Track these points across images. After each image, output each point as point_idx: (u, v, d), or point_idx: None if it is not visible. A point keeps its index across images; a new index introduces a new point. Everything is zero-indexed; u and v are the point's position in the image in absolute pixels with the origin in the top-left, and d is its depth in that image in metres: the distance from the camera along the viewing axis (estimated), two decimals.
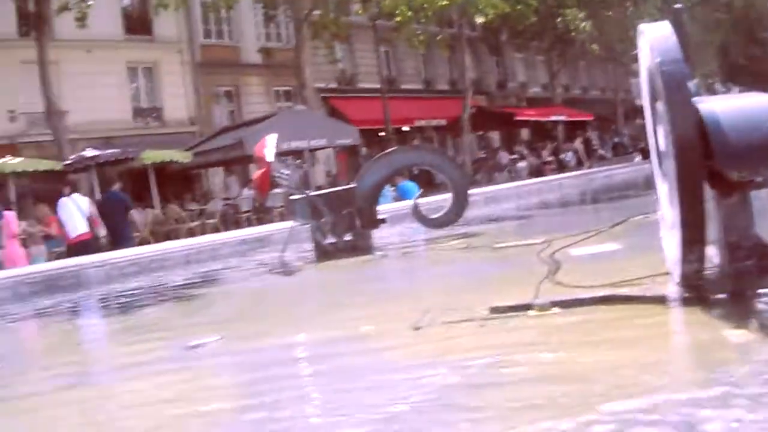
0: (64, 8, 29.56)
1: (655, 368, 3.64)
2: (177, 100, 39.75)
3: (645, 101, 5.67)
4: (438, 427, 3.24)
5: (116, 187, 19.59)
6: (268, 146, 12.24)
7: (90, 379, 5.86)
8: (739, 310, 4.59)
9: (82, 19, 29.78)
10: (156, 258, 13.90)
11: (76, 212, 17.15)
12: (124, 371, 5.63)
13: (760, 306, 4.63)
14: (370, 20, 41.71)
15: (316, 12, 36.95)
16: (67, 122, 31.13)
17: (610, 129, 60.46)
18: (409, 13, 36.44)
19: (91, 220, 17.45)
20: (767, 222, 5.24)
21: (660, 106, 4.90)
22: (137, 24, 39.94)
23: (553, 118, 53.15)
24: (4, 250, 15.23)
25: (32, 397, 5.35)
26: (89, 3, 29.94)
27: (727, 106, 4.96)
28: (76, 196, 17.36)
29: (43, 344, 8.70)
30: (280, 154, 13.10)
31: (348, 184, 14.77)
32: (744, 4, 64.10)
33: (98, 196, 26.82)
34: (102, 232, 18.06)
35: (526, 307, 5.21)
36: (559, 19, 48.38)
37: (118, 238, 18.20)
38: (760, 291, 4.89)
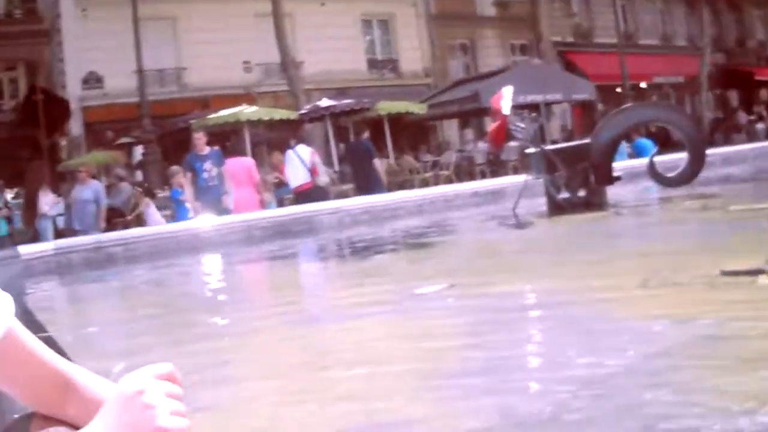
0: None
1: None
2: (412, 53, 40.00)
3: None
4: (665, 374, 3.22)
5: (365, 136, 19.99)
6: (504, 99, 12.18)
7: (316, 318, 6.05)
8: None
9: None
10: (389, 207, 14.07)
11: (298, 163, 17.55)
12: (353, 311, 5.77)
13: None
14: None
15: None
16: (302, 73, 31.82)
17: None
18: None
19: (312, 170, 17.85)
20: None
21: None
22: None
23: None
24: (229, 196, 15.69)
25: (261, 334, 5.58)
26: None
27: None
28: (299, 147, 17.75)
29: (273, 285, 9.00)
30: (516, 108, 13.01)
31: (583, 139, 14.57)
32: None
33: (332, 145, 27.42)
34: (324, 180, 18.52)
35: (759, 271, 5.06)
36: None
37: (364, 184, 18.66)
38: None
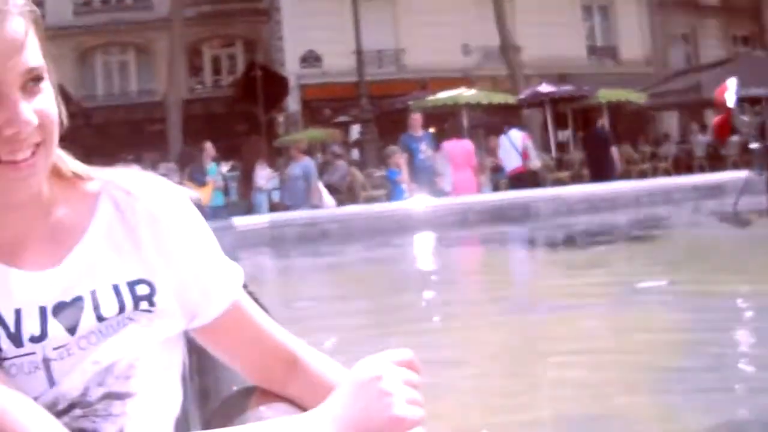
0: None
1: None
2: (632, 40, 39.23)
3: None
4: None
5: (599, 124, 20.02)
6: (729, 91, 11.84)
7: (531, 305, 6.02)
8: None
9: None
10: (607, 197, 13.90)
11: (509, 147, 17.51)
12: (568, 301, 5.73)
13: None
14: None
15: None
16: (521, 57, 31.63)
17: None
18: None
19: (523, 154, 17.79)
20: None
21: None
22: None
23: None
24: (445, 177, 15.75)
25: (475, 318, 5.59)
26: None
27: None
28: (512, 132, 17.69)
29: (486, 269, 9.00)
30: (740, 100, 12.64)
31: None
32: None
33: (551, 131, 27.22)
34: (535, 164, 18.50)
35: None
36: None
37: (600, 172, 18.60)
38: None
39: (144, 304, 1.39)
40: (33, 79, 1.30)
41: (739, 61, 32.15)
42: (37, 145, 1.30)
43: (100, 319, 1.36)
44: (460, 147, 16.16)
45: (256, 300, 1.56)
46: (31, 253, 1.38)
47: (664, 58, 38.95)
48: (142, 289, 1.40)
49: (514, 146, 17.45)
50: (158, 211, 1.43)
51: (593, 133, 20.39)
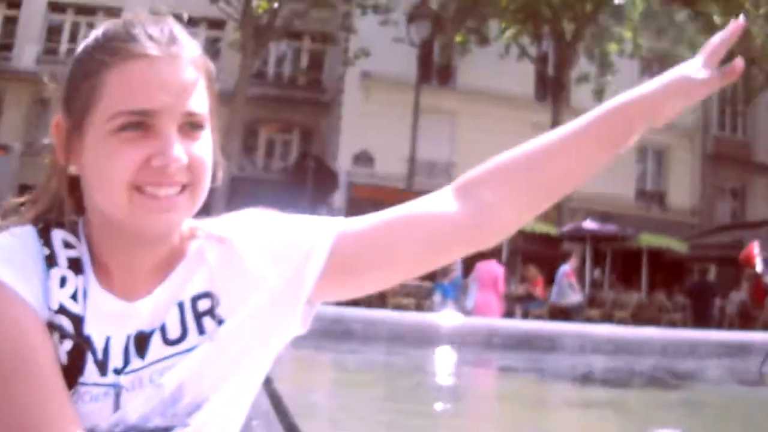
0: (584, 79, 30.24)
1: None
2: (682, 188, 39.29)
3: None
4: None
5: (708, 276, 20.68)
6: (756, 254, 11.90)
7: None
8: None
9: (599, 93, 30.32)
10: (634, 341, 13.84)
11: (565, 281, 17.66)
12: None
13: None
14: None
15: None
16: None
17: None
18: None
19: (560, 289, 17.92)
20: None
21: None
22: None
23: None
24: (470, 296, 15.84)
25: None
26: (608, 78, 30.43)
27: None
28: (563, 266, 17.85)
29: (500, 395, 8.97)
30: None
31: None
32: None
33: (588, 268, 27.20)
34: (571, 300, 18.63)
35: None
36: None
37: (702, 320, 19.21)
38: None
39: (207, 320, 1.46)
40: (192, 124, 1.40)
41: None
42: (184, 186, 1.39)
43: (167, 342, 1.43)
44: (488, 269, 16.27)
45: (269, 382, 1.61)
46: (132, 284, 1.45)
47: (711, 210, 38.95)
48: (203, 304, 1.47)
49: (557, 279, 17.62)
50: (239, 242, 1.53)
51: (699, 284, 21.42)
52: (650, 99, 1.50)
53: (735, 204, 41.59)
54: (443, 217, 1.54)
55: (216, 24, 34.55)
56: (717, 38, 1.53)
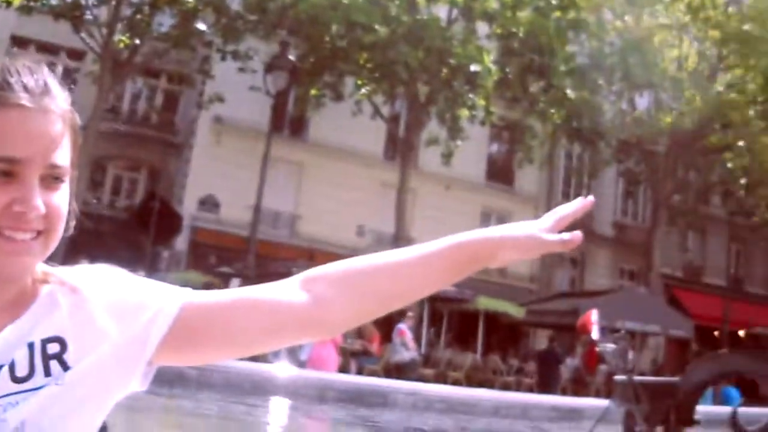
0: (433, 142, 30.64)
1: None
2: None
3: None
4: None
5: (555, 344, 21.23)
6: (593, 322, 12.18)
7: None
8: None
9: (448, 156, 30.73)
10: (466, 401, 13.96)
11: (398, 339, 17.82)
12: None
13: None
14: (727, 214, 40.94)
15: (676, 197, 36.66)
16: None
17: None
18: None
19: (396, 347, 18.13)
20: None
21: None
22: (499, 172, 40.84)
23: None
24: (305, 348, 15.81)
25: None
26: (457, 143, 30.86)
27: None
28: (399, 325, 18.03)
29: None
30: (612, 332, 12.96)
31: (672, 376, 14.38)
32: None
33: (424, 327, 27.44)
34: (403, 357, 18.95)
35: None
36: None
37: (547, 385, 19.71)
38: None
39: (54, 363, 1.48)
40: (54, 177, 1.47)
41: (621, 293, 33.06)
42: (39, 232, 1.45)
43: (15, 379, 1.44)
44: None
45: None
46: None
47: (550, 277, 39.74)
48: (53, 348, 1.49)
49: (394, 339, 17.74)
50: (89, 290, 1.56)
51: (546, 352, 22.05)
52: (494, 244, 1.67)
53: (574, 272, 42.55)
54: (284, 306, 1.60)
55: (76, 54, 34.16)
56: (566, 208, 1.70)
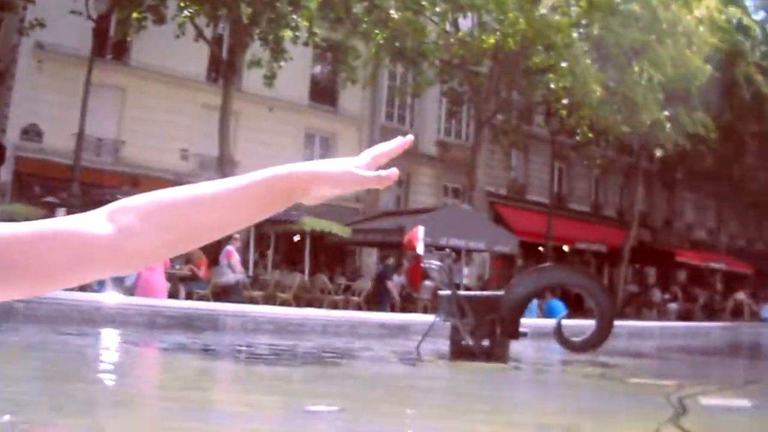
0: (256, 64, 30.36)
1: None
2: None
3: None
4: None
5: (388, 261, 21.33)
6: (418, 238, 12.39)
7: (207, 416, 6.01)
8: None
9: (271, 78, 30.49)
10: (294, 321, 14.08)
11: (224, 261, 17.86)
12: (238, 418, 5.77)
13: None
14: (550, 134, 41.81)
15: (499, 116, 37.23)
16: (237, 172, 31.84)
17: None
18: (591, 134, 36.46)
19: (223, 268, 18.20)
20: None
21: None
22: (323, 93, 40.76)
23: (713, 265, 52.23)
24: (132, 275, 15.66)
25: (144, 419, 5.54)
26: (280, 64, 30.63)
27: None
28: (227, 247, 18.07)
29: (164, 374, 8.93)
30: (438, 249, 13.21)
31: (498, 291, 14.76)
32: None
33: (251, 250, 27.45)
34: (229, 279, 19.15)
35: None
36: (736, 166, 47.89)
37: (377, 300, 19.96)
38: None
39: None
40: None
41: (445, 211, 33.55)
42: None
43: None
44: None
45: None
46: None
47: (375, 197, 39.97)
48: None
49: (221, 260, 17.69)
50: None
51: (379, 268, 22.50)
52: (308, 179, 1.58)
53: (399, 192, 42.93)
54: (88, 237, 1.50)
55: None
56: (385, 146, 1.67)
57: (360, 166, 1.61)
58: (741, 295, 48.38)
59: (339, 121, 40.73)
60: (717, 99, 42.48)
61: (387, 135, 41.28)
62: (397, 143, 1.68)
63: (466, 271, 35.72)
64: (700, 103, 39.92)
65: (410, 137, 1.67)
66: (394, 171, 1.59)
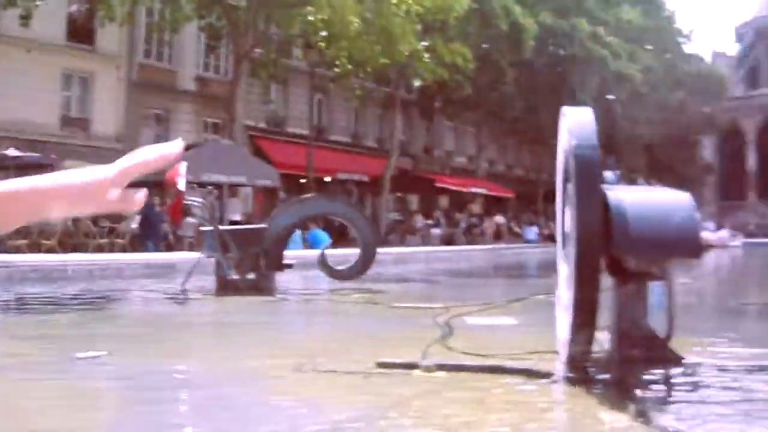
0: (11, 4, 29.23)
1: None
2: (107, 115, 39.24)
3: (558, 182, 5.77)
4: None
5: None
6: (180, 175, 12.22)
7: None
8: (619, 395, 4.65)
9: (26, 18, 29.43)
10: (59, 268, 13.77)
11: None
12: (4, 370, 5.58)
13: (640, 393, 4.70)
14: (309, 66, 41.82)
15: (258, 50, 36.96)
16: None
17: (529, 208, 61.16)
18: (349, 66, 36.60)
19: None
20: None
21: (570, 188, 4.99)
22: (80, 32, 39.49)
23: (474, 190, 53.77)
24: None
25: None
26: (36, 3, 29.59)
27: (634, 196, 5.08)
28: None
29: None
30: (200, 185, 13.09)
31: (261, 224, 14.76)
32: (677, 106, 65.85)
33: None
34: None
35: (412, 366, 5.27)
36: (494, 94, 49.09)
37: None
38: (643, 379, 4.99)
39: None
40: None
41: (206, 147, 33.31)
42: None
43: None
44: None
45: None
46: None
47: (136, 136, 39.18)
48: None
49: None
50: None
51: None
52: (41, 197, 1.35)
53: (159, 129, 42.24)
54: None
55: None
56: (144, 155, 1.36)
57: (110, 180, 1.34)
58: (500, 219, 50.09)
59: (97, 60, 39.64)
60: (475, 30, 43.41)
61: (147, 73, 40.74)
62: (159, 153, 1.36)
63: (236, 205, 35.65)
64: (458, 34, 40.71)
65: (179, 143, 1.37)
66: (141, 197, 1.37)
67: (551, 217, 45.18)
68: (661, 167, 65.36)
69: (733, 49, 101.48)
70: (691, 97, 68.43)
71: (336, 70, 37.43)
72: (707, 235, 39.75)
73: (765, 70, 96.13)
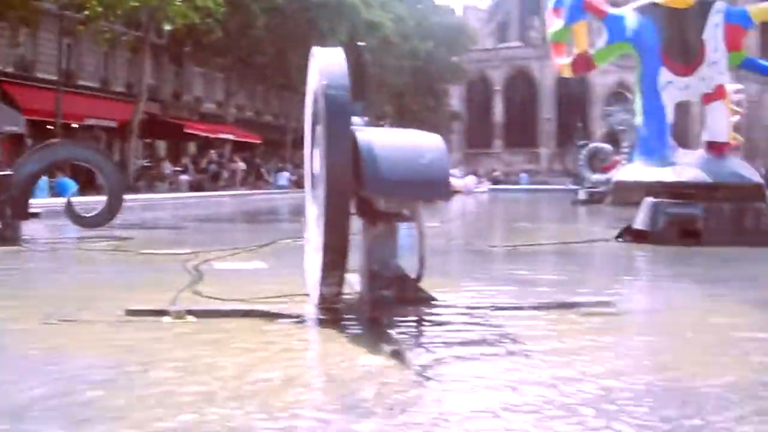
0: None
1: (281, 386, 3.67)
2: None
3: (306, 125, 5.76)
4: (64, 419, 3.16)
5: None
6: None
7: None
8: (372, 335, 4.70)
9: None
10: None
11: None
12: None
13: (392, 333, 4.75)
14: (59, 9, 40.51)
15: None
16: None
17: (278, 155, 61.44)
18: (99, 9, 35.62)
19: None
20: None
21: (319, 129, 4.99)
22: None
23: (222, 135, 53.58)
24: None
25: None
26: None
27: (384, 138, 5.11)
28: None
29: None
30: None
31: (6, 171, 14.26)
32: (427, 56, 67.28)
33: None
34: None
35: (162, 312, 5.21)
36: (244, 40, 48.81)
37: None
38: (395, 319, 5.06)
39: None
40: None
41: None
42: None
43: None
44: None
45: None
46: None
47: None
48: None
49: None
50: None
51: None
52: None
53: None
54: None
55: None
56: None
57: None
58: (242, 165, 50.25)
59: None
60: None
61: None
62: None
63: None
64: None
65: None
66: None
67: (300, 164, 45.55)
68: (409, 115, 66.58)
69: (484, 3, 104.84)
70: (441, 48, 70.11)
71: (86, 12, 36.39)
72: (454, 181, 40.83)
73: (514, 24, 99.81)
